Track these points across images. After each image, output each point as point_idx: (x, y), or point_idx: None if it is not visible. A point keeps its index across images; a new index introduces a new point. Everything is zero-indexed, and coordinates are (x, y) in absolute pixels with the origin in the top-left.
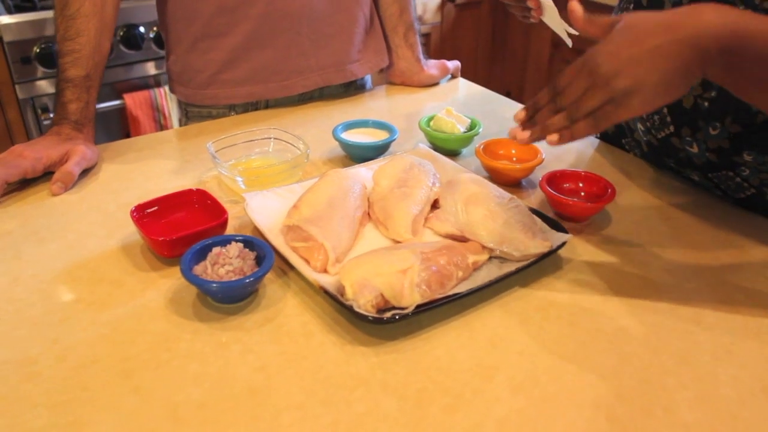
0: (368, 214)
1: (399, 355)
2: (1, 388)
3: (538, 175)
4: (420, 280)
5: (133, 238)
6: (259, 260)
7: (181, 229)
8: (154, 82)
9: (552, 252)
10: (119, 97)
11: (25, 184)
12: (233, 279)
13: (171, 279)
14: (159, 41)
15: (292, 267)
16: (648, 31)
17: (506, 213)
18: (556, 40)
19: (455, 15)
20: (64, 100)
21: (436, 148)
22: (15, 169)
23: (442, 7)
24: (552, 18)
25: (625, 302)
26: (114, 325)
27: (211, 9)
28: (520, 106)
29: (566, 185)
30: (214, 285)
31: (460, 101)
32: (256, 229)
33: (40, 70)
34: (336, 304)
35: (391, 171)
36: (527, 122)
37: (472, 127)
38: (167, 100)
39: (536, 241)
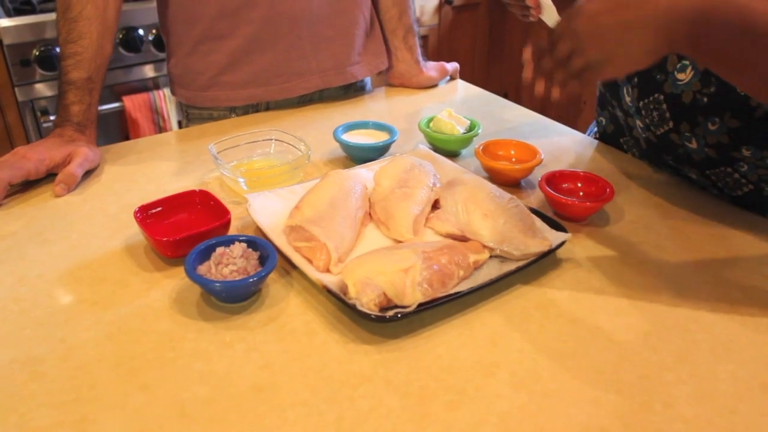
0: (369, 214)
1: (401, 352)
2: (7, 388)
3: (537, 175)
4: (422, 279)
5: (136, 239)
6: (262, 260)
7: (185, 229)
8: (154, 85)
9: (551, 251)
10: (118, 99)
11: (28, 185)
12: (237, 279)
13: (175, 279)
14: (158, 44)
15: (294, 267)
16: (620, 3)
17: (506, 213)
18: None
19: (452, 17)
20: (67, 102)
21: (436, 149)
22: (18, 170)
23: (439, 9)
24: (550, 16)
25: (624, 300)
26: (119, 325)
27: (212, 12)
28: (519, 107)
29: (565, 185)
30: (218, 284)
31: (459, 103)
32: (258, 230)
33: (40, 73)
34: (339, 302)
35: (391, 172)
36: (535, 67)
37: (471, 128)
38: (166, 102)
39: (536, 241)
